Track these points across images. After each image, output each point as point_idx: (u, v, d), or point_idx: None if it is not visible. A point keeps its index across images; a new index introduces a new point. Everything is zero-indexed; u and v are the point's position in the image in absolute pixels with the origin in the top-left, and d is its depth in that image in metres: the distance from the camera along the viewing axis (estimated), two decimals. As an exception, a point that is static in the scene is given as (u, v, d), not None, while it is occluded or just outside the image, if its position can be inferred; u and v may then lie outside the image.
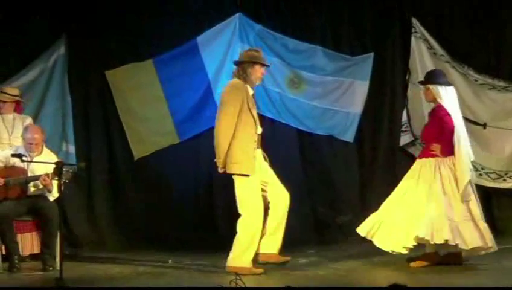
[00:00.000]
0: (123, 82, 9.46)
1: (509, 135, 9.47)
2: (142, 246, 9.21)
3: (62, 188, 7.33)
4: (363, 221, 9.58)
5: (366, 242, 9.35)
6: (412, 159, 9.45)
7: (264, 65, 7.90)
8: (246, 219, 7.69)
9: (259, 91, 8.83)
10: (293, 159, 9.58)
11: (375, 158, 9.69)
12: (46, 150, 8.27)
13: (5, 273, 7.97)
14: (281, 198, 7.80)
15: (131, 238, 9.39)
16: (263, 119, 8.53)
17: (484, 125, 9.44)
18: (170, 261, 8.44)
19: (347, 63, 9.59)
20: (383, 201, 9.62)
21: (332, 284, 7.29)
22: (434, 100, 7.91)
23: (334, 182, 9.63)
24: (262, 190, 7.78)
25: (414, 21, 9.49)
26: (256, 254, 7.77)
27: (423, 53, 9.50)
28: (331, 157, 9.67)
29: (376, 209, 7.97)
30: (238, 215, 7.57)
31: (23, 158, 7.86)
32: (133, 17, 9.40)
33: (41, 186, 8.08)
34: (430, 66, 9.35)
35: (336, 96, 9.58)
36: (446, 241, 7.66)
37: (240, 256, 7.67)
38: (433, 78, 7.93)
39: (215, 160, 7.78)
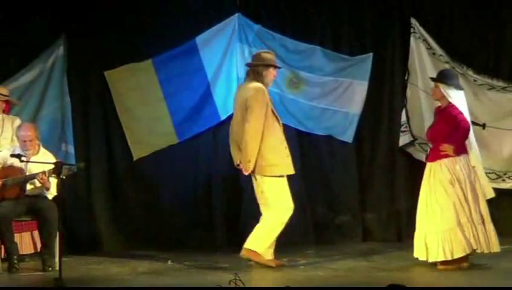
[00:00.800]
0: (122, 82, 9.44)
1: (509, 135, 9.46)
2: (141, 246, 9.21)
3: (60, 187, 7.33)
4: (362, 221, 9.61)
5: (365, 242, 9.38)
6: (411, 159, 9.48)
7: (276, 67, 7.93)
8: (277, 214, 7.76)
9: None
10: (292, 159, 9.57)
11: (374, 158, 9.67)
12: (42, 149, 8.25)
13: (4, 274, 7.97)
14: None
15: (131, 238, 9.38)
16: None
17: (483, 126, 9.43)
18: (169, 261, 8.44)
19: (346, 63, 9.57)
20: (382, 201, 9.66)
21: (332, 284, 7.28)
22: (442, 98, 7.85)
23: (332, 183, 9.61)
24: None
25: (413, 21, 9.47)
26: None
27: (422, 53, 9.48)
28: (330, 157, 9.66)
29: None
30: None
31: (22, 158, 7.86)
32: (132, 17, 9.38)
33: (38, 185, 8.07)
34: (429, 67, 9.35)
35: (335, 97, 9.56)
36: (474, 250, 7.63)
37: (257, 240, 7.72)
38: (446, 78, 7.85)
39: (237, 164, 7.78)
